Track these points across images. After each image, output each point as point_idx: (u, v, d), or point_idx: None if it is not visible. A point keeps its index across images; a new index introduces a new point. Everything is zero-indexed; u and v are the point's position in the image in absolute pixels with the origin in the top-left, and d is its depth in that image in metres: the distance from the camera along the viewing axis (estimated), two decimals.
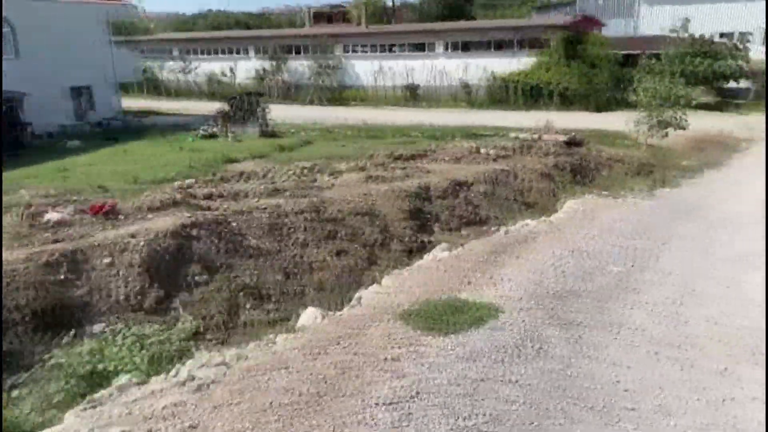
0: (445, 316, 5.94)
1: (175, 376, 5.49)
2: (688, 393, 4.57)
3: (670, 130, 20.07)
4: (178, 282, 9.85)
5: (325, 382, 4.61)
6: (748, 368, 4.84)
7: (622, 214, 10.25)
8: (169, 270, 9.80)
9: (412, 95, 31.40)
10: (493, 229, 13.01)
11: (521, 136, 21.77)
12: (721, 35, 29.75)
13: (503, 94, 29.70)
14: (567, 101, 29.31)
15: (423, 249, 12.53)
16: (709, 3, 33.46)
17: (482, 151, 18.62)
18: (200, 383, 4.88)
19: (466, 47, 31.50)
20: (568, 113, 28.11)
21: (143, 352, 7.38)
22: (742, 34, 28.79)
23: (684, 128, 19.76)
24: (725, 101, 26.75)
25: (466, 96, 30.76)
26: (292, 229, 11.47)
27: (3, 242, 8.70)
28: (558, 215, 11.36)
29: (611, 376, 4.86)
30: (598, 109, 28.05)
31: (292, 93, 33.61)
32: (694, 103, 20.03)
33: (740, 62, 26.49)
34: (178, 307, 9.80)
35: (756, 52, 28.07)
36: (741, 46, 27.06)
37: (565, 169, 18.93)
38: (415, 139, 22.30)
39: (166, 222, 10.41)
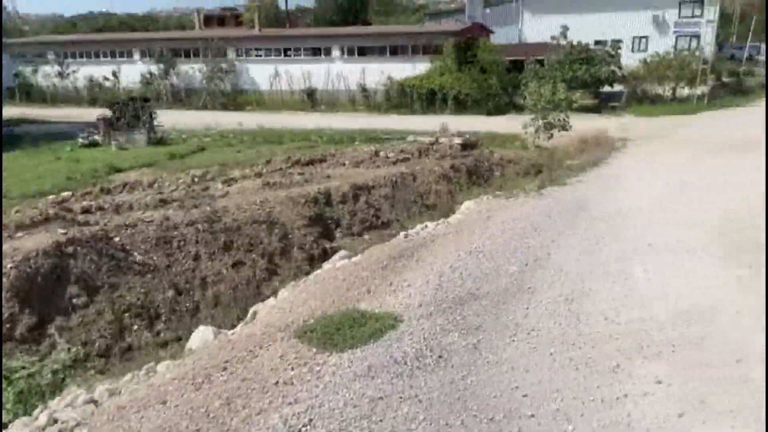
0: (343, 330, 5.61)
1: (35, 419, 4.76)
2: (584, 393, 4.54)
3: (555, 131, 21.01)
4: (54, 306, 8.88)
5: (208, 417, 4.12)
6: (638, 363, 4.90)
7: (515, 213, 10.43)
8: (43, 293, 8.82)
9: (311, 99, 30.92)
10: (394, 232, 12.92)
11: (420, 139, 21.96)
12: (596, 42, 31.77)
13: (401, 98, 29.98)
14: (461, 105, 30.02)
15: (325, 255, 12.20)
16: (584, 13, 35.65)
17: (382, 154, 18.52)
18: (62, 428, 4.22)
19: (363, 52, 31.51)
20: (463, 117, 28.83)
21: (9, 388, 6.51)
22: (614, 41, 30.98)
23: (567, 129, 20.77)
24: (603, 104, 28.57)
25: (364, 100, 30.75)
26: (183, 242, 10.70)
27: None
28: (456, 216, 11.40)
29: (510, 381, 4.75)
30: (490, 112, 28.93)
31: (183, 98, 31.99)
32: (575, 105, 21.10)
33: (613, 67, 28.40)
34: (53, 334, 8.83)
35: (626, 58, 30.20)
36: (614, 53, 29.03)
37: (462, 171, 19.25)
38: (314, 144, 21.86)
39: (37, 240, 9.34)
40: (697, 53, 29.25)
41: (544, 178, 13.84)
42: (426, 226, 10.65)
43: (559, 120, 20.87)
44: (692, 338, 5.22)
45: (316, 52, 31.99)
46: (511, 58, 31.02)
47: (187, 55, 32.59)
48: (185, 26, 48.28)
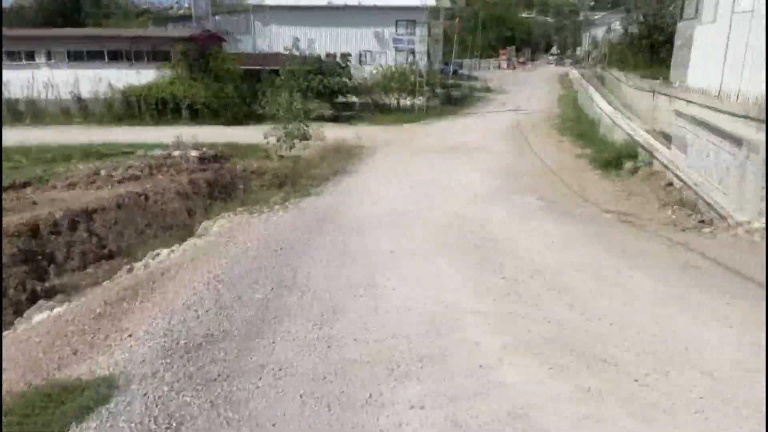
0: (33, 417, 4.19)
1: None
2: None
3: (297, 141, 20.90)
4: None
5: None
6: (390, 388, 4.58)
7: (260, 230, 9.70)
8: None
9: (11, 112, 25.89)
10: (125, 261, 11.18)
11: (151, 153, 19.83)
12: (327, 55, 32.93)
13: (126, 108, 26.98)
14: (199, 115, 28.29)
15: (35, 299, 9.97)
16: (315, 27, 36.78)
17: (104, 173, 16.15)
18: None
19: (76, 57, 27.49)
20: (201, 127, 27.08)
21: None
22: (343, 54, 32.54)
23: (309, 139, 20.83)
24: (339, 114, 29.68)
25: (80, 111, 26.89)
26: None
27: None
28: (194, 240, 10.22)
29: None
30: (230, 122, 27.81)
31: None
32: (313, 115, 21.31)
33: (345, 79, 29.72)
34: None
35: (355, 70, 31.92)
36: (344, 65, 30.40)
37: (202, 186, 17.87)
38: (17, 164, 18.17)
39: None
40: (413, 67, 32.32)
41: (289, 190, 13.42)
42: (158, 254, 9.27)
43: (299, 130, 20.82)
44: (438, 350, 5.12)
45: (13, 56, 26.89)
46: (246, 68, 30.26)
47: None
48: None
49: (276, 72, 29.11)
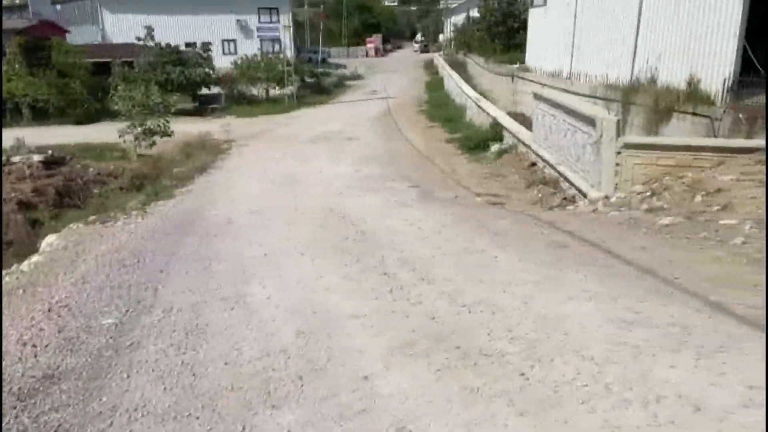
0: None
1: None
2: None
3: (157, 137, 19.36)
4: None
5: None
6: (266, 417, 4.06)
7: (114, 242, 8.61)
8: None
9: None
10: None
11: None
12: (187, 45, 30.88)
13: None
14: (42, 115, 25.37)
15: None
16: (170, 14, 34.31)
17: None
18: None
19: None
20: (47, 128, 24.36)
21: None
22: (204, 44, 30.70)
23: (169, 135, 19.35)
24: (203, 107, 27.96)
25: None
26: None
27: None
28: (37, 258, 8.85)
29: None
30: (80, 121, 25.27)
31: None
32: (173, 109, 19.78)
33: (207, 69, 28.03)
34: None
35: (218, 61, 30.24)
36: (205, 55, 28.64)
37: (49, 194, 15.94)
38: None
39: None
40: (281, 56, 31.28)
41: (150, 192, 12.21)
42: None
43: (159, 126, 19.28)
44: (319, 364, 4.67)
45: None
46: (94, 60, 27.52)
47: None
48: None
49: (129, 64, 26.78)
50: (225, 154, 17.53)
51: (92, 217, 10.28)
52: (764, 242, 6.23)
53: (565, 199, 10.87)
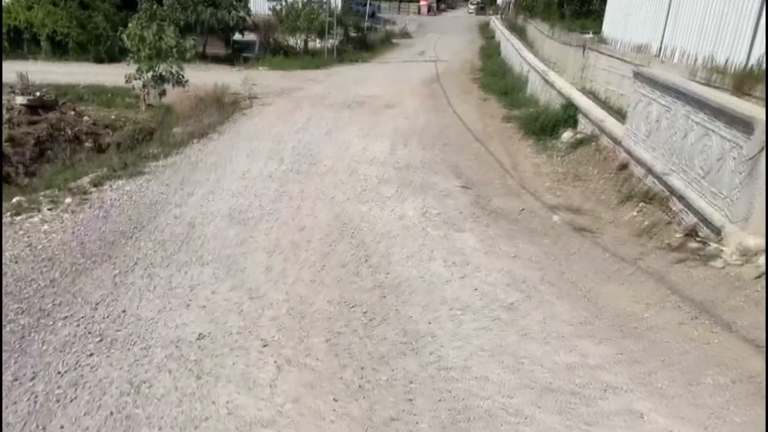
0: None
1: None
2: None
3: (169, 86, 16.02)
4: None
5: None
6: None
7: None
8: None
9: None
10: None
11: None
12: None
13: None
14: (61, 49, 22.25)
15: None
16: None
17: None
18: None
19: None
20: (64, 64, 21.22)
21: None
22: None
23: (183, 84, 15.96)
24: (236, 54, 24.40)
25: None
26: None
27: None
28: None
29: None
30: (100, 59, 22.04)
31: None
32: (189, 55, 16.28)
33: (242, 13, 24.28)
34: None
35: (256, 6, 26.47)
36: None
37: (27, 145, 12.93)
38: None
39: None
40: (325, 5, 27.20)
41: (116, 165, 8.83)
42: None
43: (171, 73, 15.86)
44: None
45: None
46: None
47: None
48: None
49: (159, 1, 23.18)
50: (240, 113, 14.05)
51: (16, 199, 7.00)
52: None
53: (688, 235, 7.09)
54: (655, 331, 4.10)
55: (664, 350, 3.84)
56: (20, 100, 13.35)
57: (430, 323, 4.06)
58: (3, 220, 6.09)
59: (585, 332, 4.04)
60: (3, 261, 4.95)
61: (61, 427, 2.92)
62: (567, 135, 12.40)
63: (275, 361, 3.54)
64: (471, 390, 3.25)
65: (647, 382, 3.45)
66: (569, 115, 13.23)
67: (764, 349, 3.62)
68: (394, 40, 35.34)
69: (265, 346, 3.70)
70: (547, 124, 13.22)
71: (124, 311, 4.19)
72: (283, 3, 26.14)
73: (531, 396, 3.23)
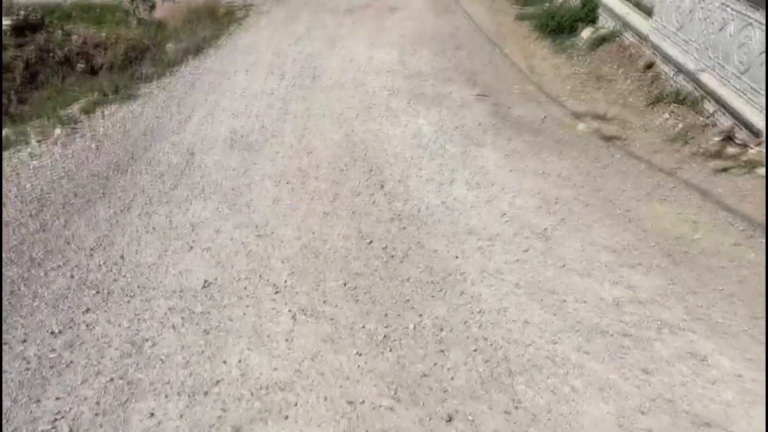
0: None
1: None
2: None
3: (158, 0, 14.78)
4: None
5: None
6: None
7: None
8: None
9: None
10: None
11: None
12: None
13: None
14: None
15: None
16: None
17: None
18: None
19: None
20: None
21: None
22: None
23: None
24: None
25: None
26: None
27: None
28: None
29: None
30: None
31: None
32: None
33: None
34: None
35: None
36: None
37: (17, 71, 12.17)
38: None
39: None
40: None
41: (107, 88, 8.11)
42: None
43: None
44: None
45: None
46: None
47: None
48: None
49: None
50: (236, 24, 12.92)
51: (4, 132, 6.42)
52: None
53: (725, 139, 6.43)
54: (707, 255, 3.62)
55: (721, 277, 3.38)
56: (6, 21, 12.31)
57: (457, 258, 3.60)
58: None
59: (630, 260, 3.57)
60: None
61: (57, 399, 2.58)
62: (587, 32, 11.34)
63: (289, 311, 3.14)
64: (509, 336, 2.85)
65: (706, 317, 3.02)
66: (589, 9, 12.02)
67: None
68: None
69: (277, 292, 3.29)
70: (565, 21, 12.05)
71: (122, 257, 3.77)
72: None
73: (577, 340, 2.82)
